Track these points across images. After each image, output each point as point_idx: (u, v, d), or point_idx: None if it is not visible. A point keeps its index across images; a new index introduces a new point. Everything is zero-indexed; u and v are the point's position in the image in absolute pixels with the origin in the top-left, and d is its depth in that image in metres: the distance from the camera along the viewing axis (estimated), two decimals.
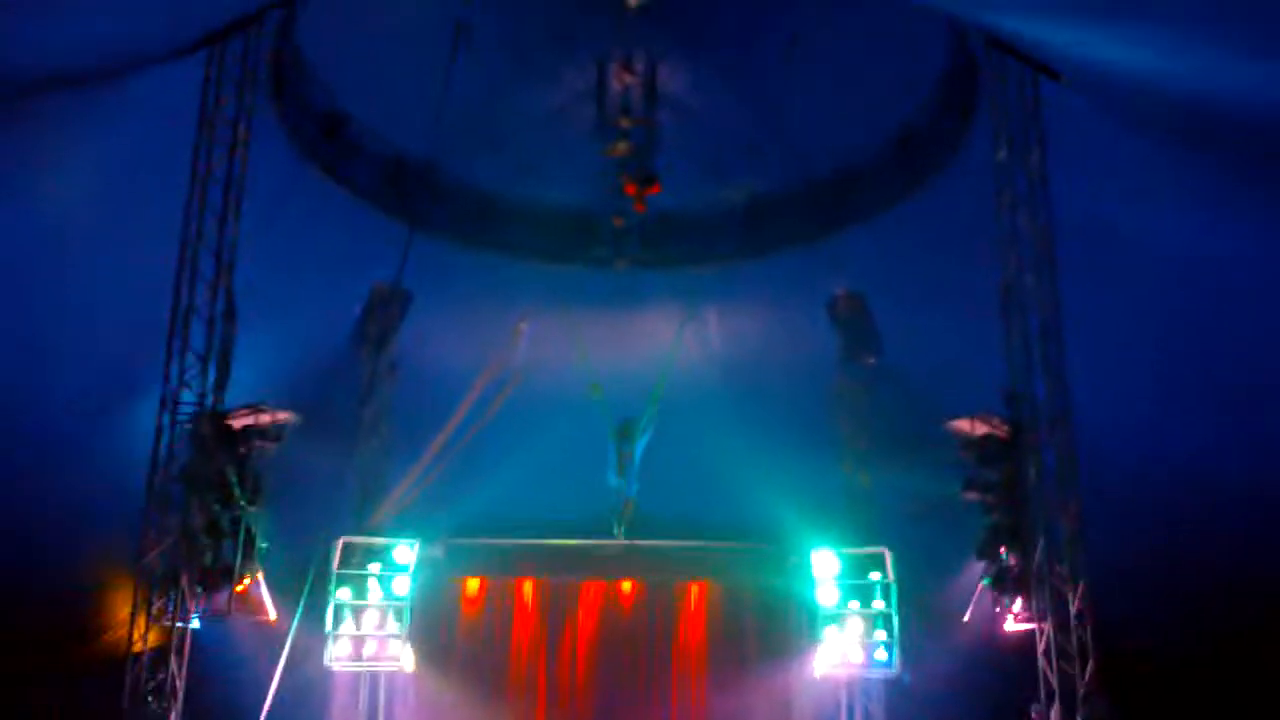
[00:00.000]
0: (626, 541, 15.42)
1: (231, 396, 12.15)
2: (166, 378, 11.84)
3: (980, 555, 12.72)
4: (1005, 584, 12.35)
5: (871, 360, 17.10)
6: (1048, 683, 11.61)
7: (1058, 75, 12.34)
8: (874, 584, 14.62)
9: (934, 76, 15.71)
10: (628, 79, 15.73)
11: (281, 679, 13.23)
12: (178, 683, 11.25)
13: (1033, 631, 11.92)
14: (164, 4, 10.72)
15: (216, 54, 12.34)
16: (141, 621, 11.23)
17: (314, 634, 14.02)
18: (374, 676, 15.16)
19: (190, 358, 11.92)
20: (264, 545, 12.37)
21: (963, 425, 12.96)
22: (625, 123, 15.53)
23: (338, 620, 14.25)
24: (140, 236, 12.87)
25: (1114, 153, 13.18)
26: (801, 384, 17.22)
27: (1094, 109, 12.75)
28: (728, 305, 18.20)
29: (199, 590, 11.56)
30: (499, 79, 15.93)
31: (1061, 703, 11.43)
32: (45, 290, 13.15)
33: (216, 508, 11.74)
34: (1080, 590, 11.55)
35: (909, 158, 16.56)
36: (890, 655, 14.42)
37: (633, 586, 16.69)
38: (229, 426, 11.97)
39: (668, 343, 17.43)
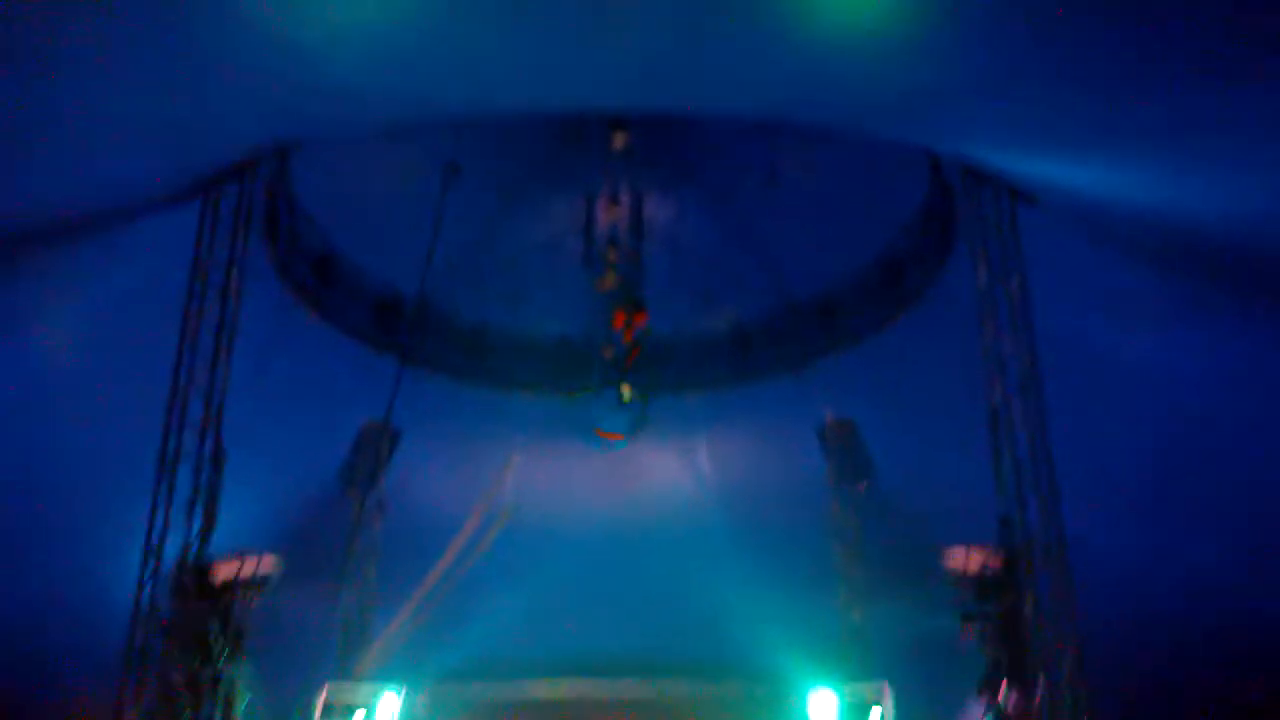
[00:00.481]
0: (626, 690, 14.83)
1: (216, 539, 11.91)
2: (150, 527, 11.58)
3: (980, 692, 12.35)
4: None
5: (863, 487, 16.97)
6: None
7: (1034, 201, 12.55)
8: None
9: (913, 203, 16.02)
10: (615, 213, 16.07)
11: None
12: None
13: None
14: (162, 152, 10.88)
15: (212, 200, 12.43)
16: None
17: None
18: None
19: (176, 503, 11.71)
20: (247, 697, 11.96)
21: (957, 557, 12.71)
22: (613, 255, 15.82)
23: None
24: (129, 381, 12.85)
25: (1095, 274, 13.36)
26: (794, 512, 17.05)
27: (1073, 232, 12.95)
28: (718, 432, 18.16)
29: None
30: (489, 215, 16.23)
31: None
32: (31, 439, 13.04)
33: (197, 663, 11.35)
34: None
35: (893, 282, 16.78)
36: None
37: None
38: (212, 578, 11.69)
39: (660, 472, 17.32)
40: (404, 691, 14.45)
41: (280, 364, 14.97)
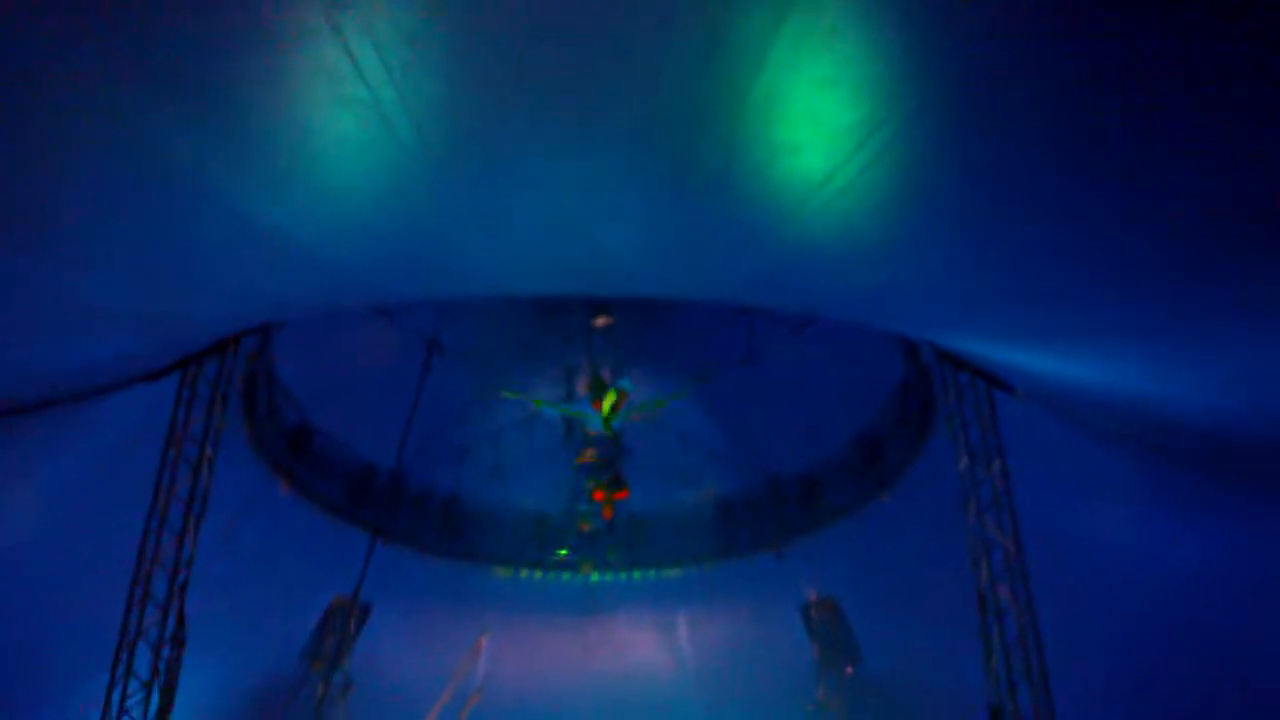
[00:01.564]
0: None
1: (176, 717, 11.42)
2: (107, 708, 11.13)
3: None
4: None
5: (850, 669, 16.53)
6: None
7: (1011, 389, 12.67)
8: None
9: (891, 386, 16.18)
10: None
11: None
12: None
13: None
14: (144, 336, 10.90)
15: (189, 376, 12.41)
16: None
17: None
18: None
19: (134, 683, 11.27)
20: None
21: None
22: (592, 432, 15.86)
23: None
24: (95, 554, 12.54)
25: (1077, 460, 13.37)
26: (778, 693, 16.55)
27: (1051, 418, 13.04)
28: (698, 609, 17.80)
29: None
30: (469, 391, 16.29)
31: None
32: None
33: None
34: None
35: (874, 461, 16.78)
36: None
37: None
38: None
39: (638, 650, 16.88)
40: None
41: (250, 537, 14.70)
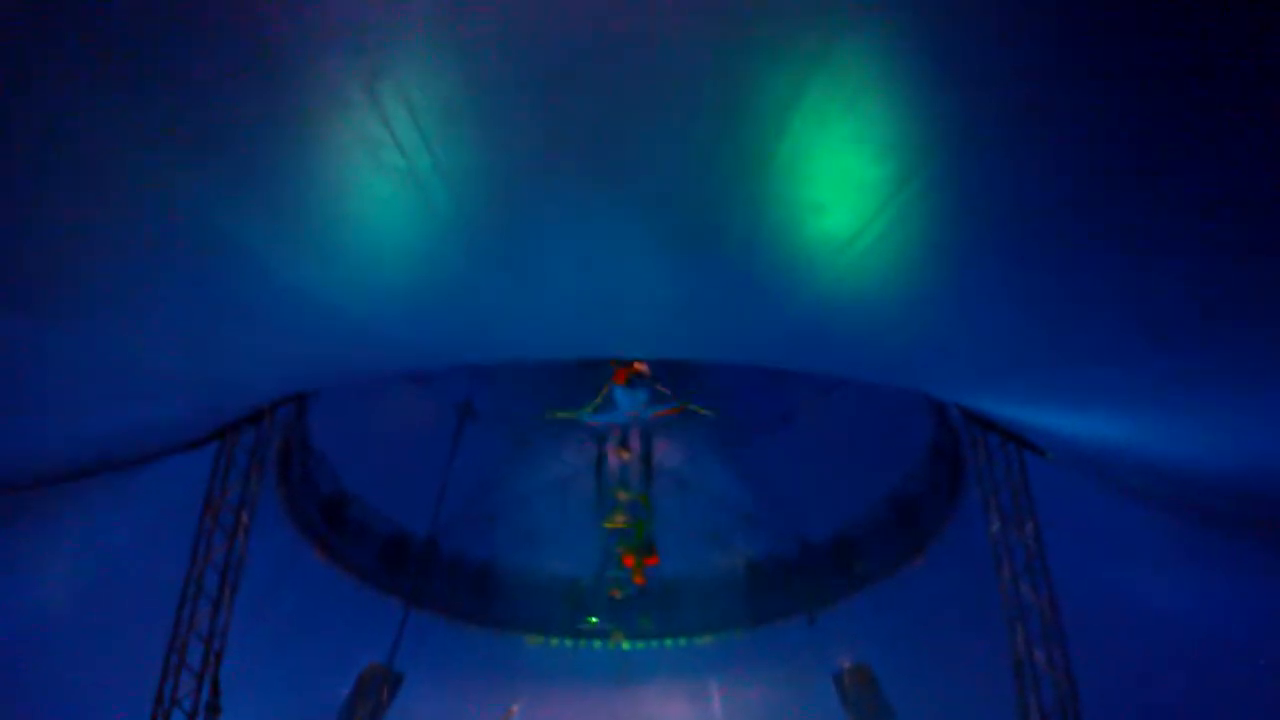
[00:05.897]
0: None
1: None
2: None
3: None
4: None
5: None
6: None
7: (1042, 451, 12.58)
8: None
9: (922, 447, 16.12)
10: (625, 455, 16.27)
11: None
12: None
13: None
14: (183, 404, 11.07)
15: (226, 445, 12.57)
16: None
17: None
18: None
19: None
20: None
21: None
22: (623, 496, 15.91)
23: None
24: (131, 622, 12.62)
25: (1109, 521, 13.21)
26: None
27: (1083, 479, 12.92)
28: (731, 676, 17.56)
29: None
30: (500, 456, 16.38)
31: None
32: (27, 678, 12.67)
33: None
34: None
35: (906, 523, 16.66)
36: None
37: None
38: None
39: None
40: None
41: (285, 605, 14.74)
